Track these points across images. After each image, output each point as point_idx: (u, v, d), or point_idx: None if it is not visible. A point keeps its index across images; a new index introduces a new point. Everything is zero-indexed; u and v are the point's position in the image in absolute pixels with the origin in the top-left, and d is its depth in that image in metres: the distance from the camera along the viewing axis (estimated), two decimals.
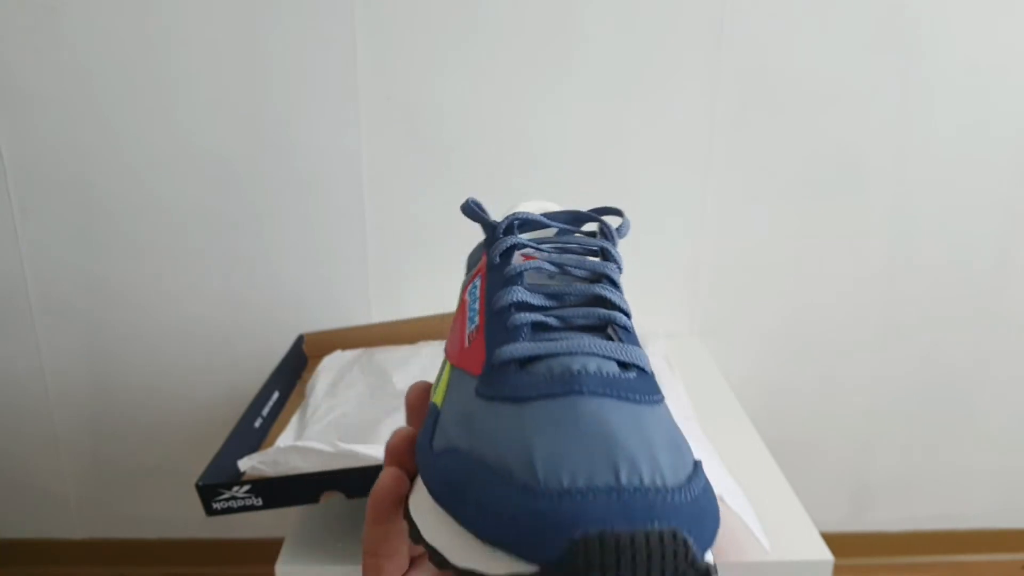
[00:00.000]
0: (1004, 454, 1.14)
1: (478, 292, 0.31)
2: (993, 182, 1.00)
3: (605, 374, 0.25)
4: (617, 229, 0.33)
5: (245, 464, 0.61)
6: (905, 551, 1.18)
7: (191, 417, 1.06)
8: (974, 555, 1.19)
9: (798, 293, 1.04)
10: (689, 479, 0.22)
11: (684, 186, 0.99)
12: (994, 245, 1.03)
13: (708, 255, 1.02)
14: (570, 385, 0.25)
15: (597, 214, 0.34)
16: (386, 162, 0.96)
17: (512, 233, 0.32)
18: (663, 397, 0.26)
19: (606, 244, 0.32)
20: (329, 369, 0.83)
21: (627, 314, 0.29)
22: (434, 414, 0.28)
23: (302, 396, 0.80)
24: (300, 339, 0.91)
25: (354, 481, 0.57)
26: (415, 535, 0.25)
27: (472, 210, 0.34)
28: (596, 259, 0.32)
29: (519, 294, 0.29)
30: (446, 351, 0.31)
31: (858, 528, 1.17)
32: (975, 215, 1.02)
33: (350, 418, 0.69)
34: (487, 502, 0.22)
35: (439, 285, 1.01)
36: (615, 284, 0.30)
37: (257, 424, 0.71)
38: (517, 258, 0.31)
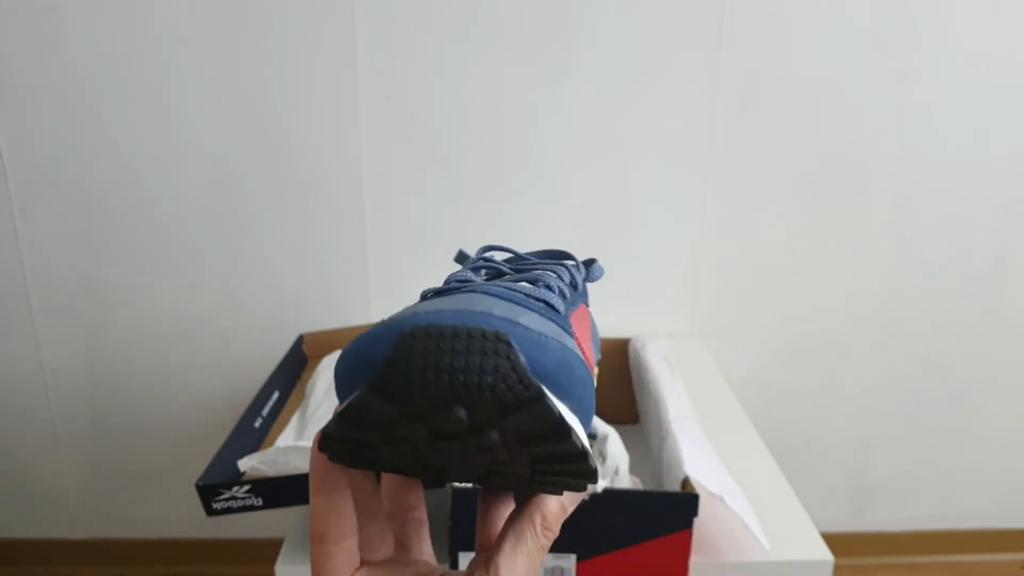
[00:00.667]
0: (1004, 454, 1.14)
1: None
2: (993, 183, 1.00)
3: (509, 288, 0.26)
4: (587, 270, 0.34)
5: (245, 464, 0.61)
6: (905, 551, 1.18)
7: (191, 417, 1.06)
8: (974, 555, 1.19)
9: (798, 293, 1.04)
10: (550, 337, 0.22)
11: (684, 186, 0.99)
12: (994, 246, 1.03)
13: (708, 255, 1.02)
14: (470, 287, 0.27)
15: (572, 260, 0.35)
16: (386, 162, 0.96)
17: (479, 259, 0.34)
18: (570, 332, 0.26)
19: (555, 277, 0.33)
20: (329, 369, 0.83)
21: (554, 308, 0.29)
22: None
23: (302, 396, 0.80)
24: (300, 339, 0.91)
25: None
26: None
27: (462, 256, 0.36)
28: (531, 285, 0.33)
29: (466, 272, 0.30)
30: None
31: (858, 528, 1.17)
32: (975, 216, 1.02)
33: None
34: (347, 351, 0.23)
35: (439, 285, 1.01)
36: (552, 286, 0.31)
37: (257, 424, 0.72)
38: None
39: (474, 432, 0.21)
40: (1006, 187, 1.01)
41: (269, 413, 0.75)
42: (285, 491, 0.58)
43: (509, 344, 0.20)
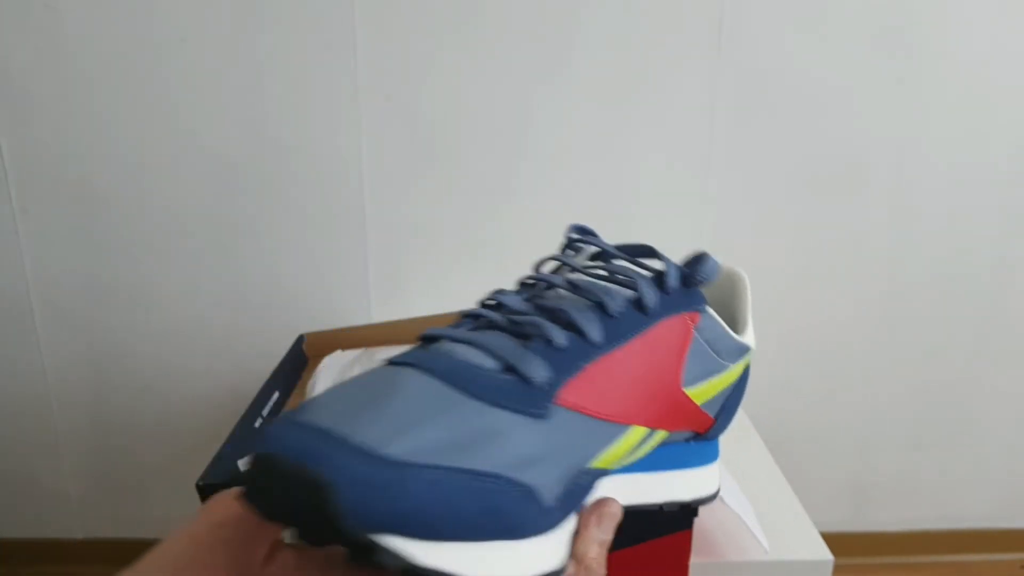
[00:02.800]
0: (1004, 454, 1.14)
1: None
2: (994, 183, 1.00)
3: (468, 363, 0.25)
4: (696, 269, 0.31)
5: (245, 464, 0.61)
6: (905, 551, 1.18)
7: (191, 417, 1.06)
8: (974, 555, 1.19)
9: (798, 293, 1.04)
10: (429, 467, 0.21)
11: (684, 186, 0.99)
12: (995, 245, 1.03)
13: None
14: (417, 359, 0.25)
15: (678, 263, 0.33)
16: (386, 162, 0.96)
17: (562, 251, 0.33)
18: (539, 414, 0.24)
19: (638, 278, 0.31)
20: (329, 369, 0.83)
21: (582, 333, 0.27)
22: None
23: (302, 396, 0.80)
24: (300, 339, 0.91)
25: None
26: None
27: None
28: (602, 282, 0.31)
29: (498, 295, 0.30)
30: None
31: (858, 528, 1.17)
32: (976, 216, 1.02)
33: None
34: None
35: (440, 284, 1.01)
36: (603, 307, 0.29)
37: (257, 424, 0.71)
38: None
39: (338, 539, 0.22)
40: (1006, 187, 1.01)
41: (269, 413, 0.75)
42: None
43: (325, 499, 0.19)
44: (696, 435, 0.34)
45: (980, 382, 1.10)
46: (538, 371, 0.25)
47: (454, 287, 0.99)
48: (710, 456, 0.37)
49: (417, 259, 1.01)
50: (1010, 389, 1.11)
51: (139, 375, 1.05)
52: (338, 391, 0.24)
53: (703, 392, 0.32)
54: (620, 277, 0.31)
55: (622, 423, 0.28)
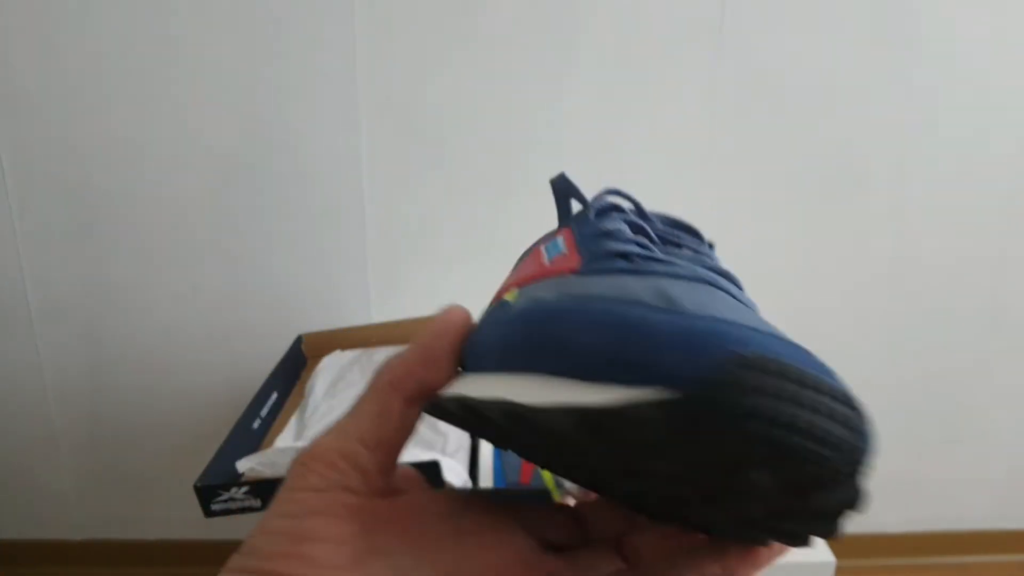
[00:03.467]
0: (1004, 455, 1.14)
1: (561, 242, 0.28)
2: (994, 183, 1.00)
3: (735, 287, 0.24)
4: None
5: (244, 465, 0.61)
6: (906, 552, 1.18)
7: (191, 417, 1.06)
8: (975, 556, 1.19)
9: (799, 293, 1.04)
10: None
11: (684, 187, 0.99)
12: (995, 246, 1.03)
13: None
14: (697, 274, 0.22)
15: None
16: (386, 162, 0.96)
17: (606, 212, 0.30)
18: None
19: (703, 248, 0.29)
20: (328, 369, 0.83)
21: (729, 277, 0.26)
22: (501, 307, 0.24)
23: (301, 396, 0.80)
24: (299, 339, 0.91)
25: None
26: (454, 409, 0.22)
27: (567, 184, 0.32)
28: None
29: (618, 223, 0.27)
30: (505, 288, 0.27)
31: (859, 529, 1.17)
32: (976, 216, 1.02)
33: None
34: (597, 325, 0.18)
35: (439, 285, 1.01)
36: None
37: (256, 425, 0.71)
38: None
39: (746, 487, 0.17)
40: (1006, 187, 1.00)
41: (268, 414, 0.75)
42: None
43: (860, 414, 0.16)
44: None
45: (980, 383, 1.10)
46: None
47: (453, 287, 0.99)
48: None
49: (416, 259, 1.00)
50: (1010, 390, 1.11)
51: (138, 375, 1.05)
52: (686, 287, 0.21)
53: None
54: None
55: None
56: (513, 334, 0.21)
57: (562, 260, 0.26)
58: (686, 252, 0.28)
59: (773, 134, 0.97)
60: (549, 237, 0.31)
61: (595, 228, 0.28)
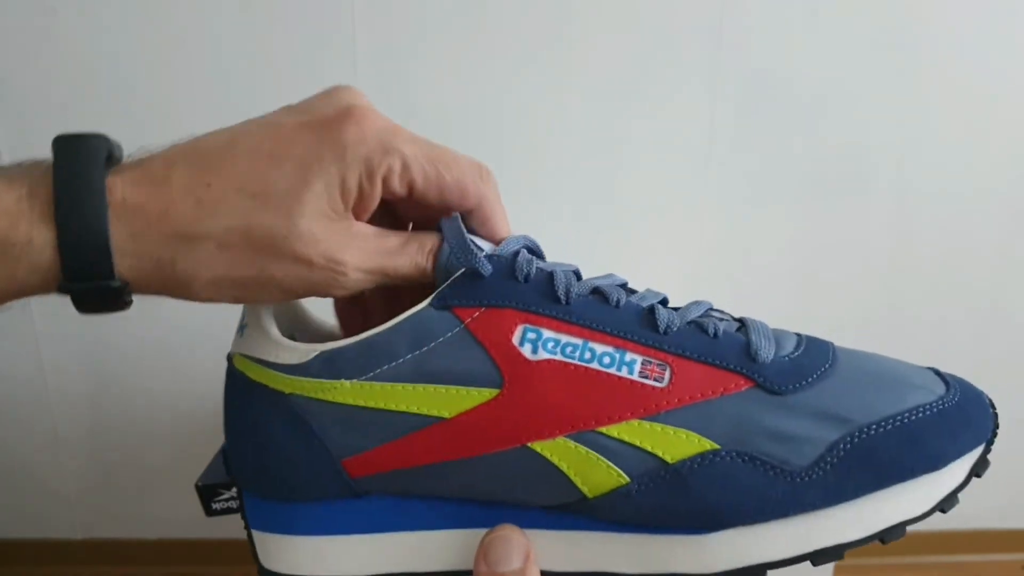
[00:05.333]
0: (1004, 455, 1.14)
1: (566, 338, 0.28)
2: (997, 183, 1.00)
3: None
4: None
5: None
6: (905, 551, 1.18)
7: (191, 417, 1.06)
8: (974, 555, 1.19)
9: (799, 294, 1.04)
10: None
11: (684, 187, 0.99)
12: (997, 246, 1.03)
13: (708, 257, 1.02)
14: (824, 346, 0.31)
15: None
16: None
17: (539, 268, 0.32)
18: None
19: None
20: None
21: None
22: (716, 460, 0.26)
23: None
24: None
25: None
26: None
27: (461, 238, 0.33)
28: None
29: (664, 310, 0.30)
30: (561, 427, 0.26)
31: None
32: (979, 216, 1.02)
33: None
34: (916, 432, 0.27)
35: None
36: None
37: None
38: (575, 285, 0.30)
39: None
40: (1007, 187, 1.01)
41: None
42: None
43: None
44: None
45: (980, 383, 1.10)
46: None
47: None
48: None
49: None
50: (1010, 389, 1.11)
51: (139, 375, 1.05)
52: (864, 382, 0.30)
53: None
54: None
55: None
56: (818, 490, 0.26)
57: (691, 379, 0.26)
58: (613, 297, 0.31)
59: (773, 134, 0.97)
60: (504, 334, 0.28)
61: (635, 308, 0.29)
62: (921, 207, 1.01)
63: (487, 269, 0.29)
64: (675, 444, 0.26)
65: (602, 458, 0.26)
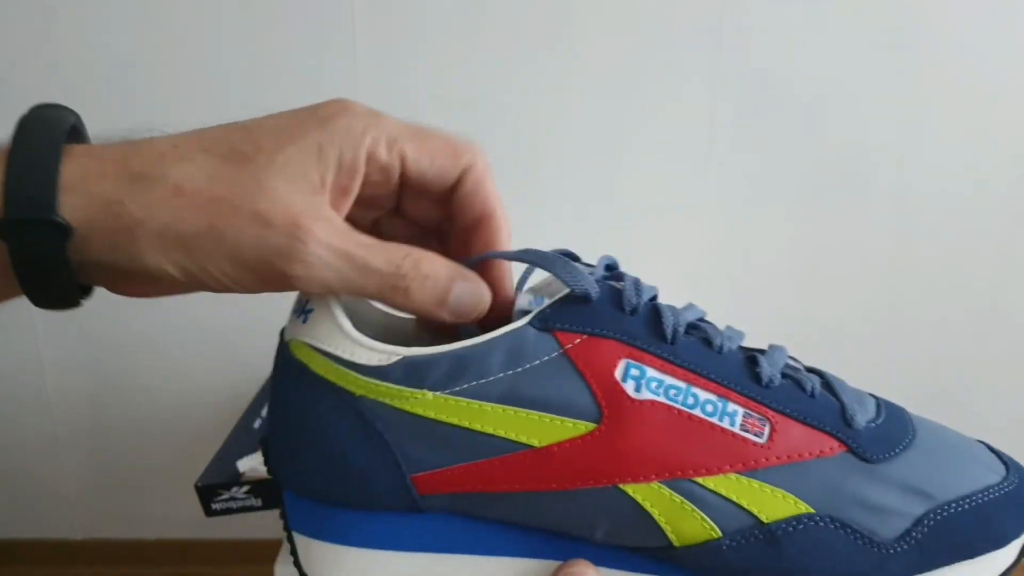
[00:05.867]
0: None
1: (670, 380, 0.26)
2: (997, 184, 1.00)
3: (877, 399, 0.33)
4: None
5: (244, 465, 0.61)
6: None
7: (191, 417, 1.06)
8: None
9: (799, 294, 1.04)
10: None
11: (684, 187, 0.99)
12: (998, 246, 1.03)
13: (708, 257, 1.02)
14: (902, 414, 0.31)
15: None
16: None
17: (651, 302, 0.30)
18: None
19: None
20: None
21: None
22: (811, 524, 0.26)
23: None
24: None
25: None
26: None
27: (569, 267, 0.29)
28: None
29: (765, 360, 0.29)
30: (657, 472, 0.26)
31: None
32: (979, 217, 1.02)
33: None
34: (983, 514, 0.27)
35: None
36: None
37: (257, 424, 0.72)
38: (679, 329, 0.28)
39: None
40: (1007, 187, 1.01)
41: (268, 414, 0.75)
42: None
43: None
44: None
45: (980, 383, 1.10)
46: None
47: None
48: None
49: None
50: (1010, 389, 1.11)
51: (139, 375, 1.05)
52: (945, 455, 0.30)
53: None
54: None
55: None
56: (905, 561, 0.26)
57: (790, 438, 0.26)
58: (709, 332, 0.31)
59: (773, 134, 0.97)
60: (607, 366, 0.27)
61: (736, 358, 0.29)
62: (921, 207, 1.01)
63: (596, 293, 0.27)
64: (771, 504, 0.25)
65: (697, 509, 0.25)
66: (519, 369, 0.26)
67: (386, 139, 0.28)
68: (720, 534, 0.25)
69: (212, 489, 0.58)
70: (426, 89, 0.93)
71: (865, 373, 1.16)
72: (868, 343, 1.07)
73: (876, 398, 0.31)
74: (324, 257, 0.25)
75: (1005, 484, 0.28)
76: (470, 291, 0.27)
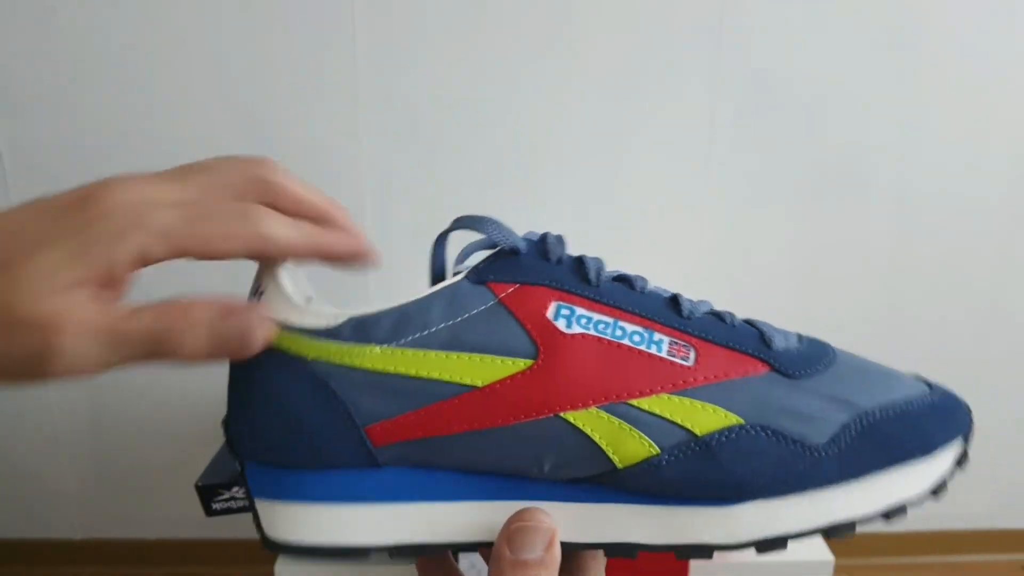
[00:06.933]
0: (1003, 454, 1.14)
1: (598, 316, 0.28)
2: (997, 184, 1.00)
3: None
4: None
5: None
6: (904, 551, 1.18)
7: (191, 417, 1.06)
8: (973, 555, 1.19)
9: (799, 294, 1.04)
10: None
11: (684, 187, 0.99)
12: (997, 246, 1.03)
13: (708, 256, 1.02)
14: (821, 343, 0.33)
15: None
16: (386, 162, 0.96)
17: (567, 253, 0.32)
18: None
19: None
20: None
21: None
22: (743, 432, 0.28)
23: None
24: None
25: None
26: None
27: (497, 227, 0.31)
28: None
29: (684, 298, 0.32)
30: (595, 398, 0.27)
31: (858, 528, 1.17)
32: (979, 217, 1.02)
33: None
34: (913, 420, 0.29)
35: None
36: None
37: None
38: (604, 273, 0.31)
39: None
40: (1007, 188, 1.01)
41: None
42: None
43: None
44: None
45: (980, 383, 1.10)
46: None
47: None
48: None
49: (417, 260, 1.00)
50: (1010, 389, 1.11)
51: (138, 375, 1.05)
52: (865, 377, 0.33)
53: None
54: None
55: None
56: (834, 466, 0.28)
57: (714, 360, 0.29)
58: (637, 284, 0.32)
59: (773, 134, 0.97)
60: (539, 309, 0.29)
61: (658, 296, 0.32)
62: (921, 207, 1.01)
63: (524, 246, 0.30)
64: (703, 417, 0.27)
65: (635, 429, 0.27)
66: (459, 319, 0.28)
67: (156, 236, 0.28)
68: (658, 451, 0.27)
69: (212, 489, 0.58)
70: (426, 89, 0.94)
71: None
72: (868, 343, 1.07)
73: (801, 335, 0.34)
74: (83, 345, 0.25)
75: (928, 397, 0.31)
76: (237, 326, 0.28)
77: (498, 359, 0.27)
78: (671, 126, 0.96)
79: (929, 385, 0.32)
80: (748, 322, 0.32)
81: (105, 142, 0.94)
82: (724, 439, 0.27)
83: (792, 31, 0.93)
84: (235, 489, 0.58)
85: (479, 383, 0.27)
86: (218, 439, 0.69)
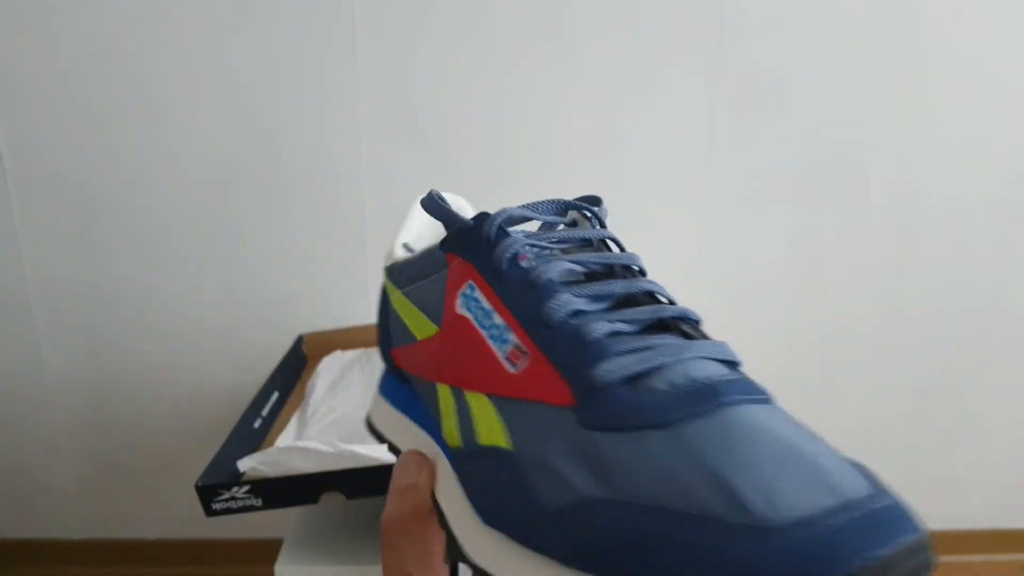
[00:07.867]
0: (1004, 454, 1.14)
1: (485, 304, 0.28)
2: (995, 182, 1.00)
3: (726, 378, 0.23)
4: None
5: (245, 464, 0.61)
6: None
7: (191, 417, 1.06)
8: (973, 555, 1.19)
9: (799, 294, 1.04)
10: (867, 473, 0.22)
11: (684, 186, 0.99)
12: (995, 246, 1.03)
13: (707, 256, 1.02)
14: (713, 398, 0.22)
15: (572, 203, 0.36)
16: (386, 162, 0.96)
17: (504, 233, 0.29)
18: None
19: (610, 234, 0.35)
20: (329, 369, 0.83)
21: (676, 304, 0.29)
22: (501, 459, 0.25)
23: (302, 396, 0.80)
24: (300, 339, 0.91)
25: (354, 481, 0.57)
26: None
27: (437, 206, 0.31)
28: (617, 251, 0.33)
29: (573, 303, 0.26)
30: (451, 378, 0.28)
31: None
32: (977, 216, 1.02)
33: (350, 418, 0.70)
34: (693, 555, 0.19)
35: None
36: (645, 273, 0.32)
37: (257, 424, 0.71)
38: (528, 260, 0.28)
39: None
40: (1006, 187, 1.01)
41: (269, 413, 0.75)
42: (285, 491, 0.58)
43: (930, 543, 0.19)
44: None
45: (980, 382, 1.10)
46: (734, 354, 0.30)
47: None
48: None
49: None
50: (1010, 389, 1.11)
51: (139, 375, 1.05)
52: (735, 460, 0.21)
53: None
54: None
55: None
56: (577, 544, 0.21)
57: (531, 378, 0.25)
58: (617, 275, 0.31)
59: (773, 134, 0.97)
60: (458, 279, 0.29)
61: (546, 303, 0.26)
62: (921, 207, 1.01)
63: (468, 225, 0.30)
64: (486, 428, 0.26)
65: (459, 416, 0.28)
66: (426, 280, 0.32)
67: None
68: (461, 443, 0.28)
69: (212, 489, 0.58)
70: (426, 89, 0.94)
71: (865, 372, 1.16)
72: (868, 343, 1.07)
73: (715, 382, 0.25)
74: None
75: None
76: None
77: (428, 321, 0.31)
78: (671, 126, 0.96)
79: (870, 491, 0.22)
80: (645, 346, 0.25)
81: (105, 142, 0.94)
82: (485, 456, 0.26)
83: (792, 31, 0.93)
84: (235, 489, 0.58)
85: (418, 336, 0.32)
86: (218, 439, 0.69)
